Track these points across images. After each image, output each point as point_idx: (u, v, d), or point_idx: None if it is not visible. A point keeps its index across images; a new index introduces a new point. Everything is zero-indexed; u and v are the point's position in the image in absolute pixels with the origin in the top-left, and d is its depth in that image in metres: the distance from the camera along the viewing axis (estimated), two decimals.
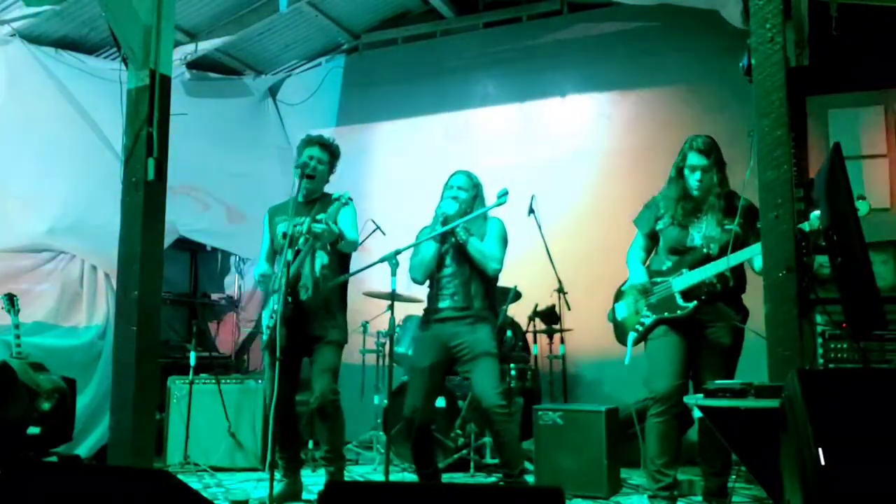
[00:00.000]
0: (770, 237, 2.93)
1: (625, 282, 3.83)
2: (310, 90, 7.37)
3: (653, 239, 3.78)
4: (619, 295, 3.85)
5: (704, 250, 3.54)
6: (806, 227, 2.99)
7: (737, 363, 3.56)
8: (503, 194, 3.84)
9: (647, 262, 3.80)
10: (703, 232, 3.57)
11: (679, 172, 3.63)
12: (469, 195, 3.98)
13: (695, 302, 3.52)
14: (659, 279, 3.65)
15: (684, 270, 3.55)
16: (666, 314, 3.58)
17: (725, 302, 3.53)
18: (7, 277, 5.30)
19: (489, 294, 3.95)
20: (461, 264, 3.89)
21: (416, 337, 4.04)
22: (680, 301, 3.55)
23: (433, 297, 3.95)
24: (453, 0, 6.93)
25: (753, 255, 3.35)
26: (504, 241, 3.96)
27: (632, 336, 3.66)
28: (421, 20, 7.14)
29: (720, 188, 3.57)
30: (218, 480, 4.75)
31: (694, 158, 3.57)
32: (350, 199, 3.73)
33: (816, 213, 3.00)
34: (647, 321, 3.63)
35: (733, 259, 3.40)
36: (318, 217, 3.77)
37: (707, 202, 3.58)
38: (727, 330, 3.51)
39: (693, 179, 3.58)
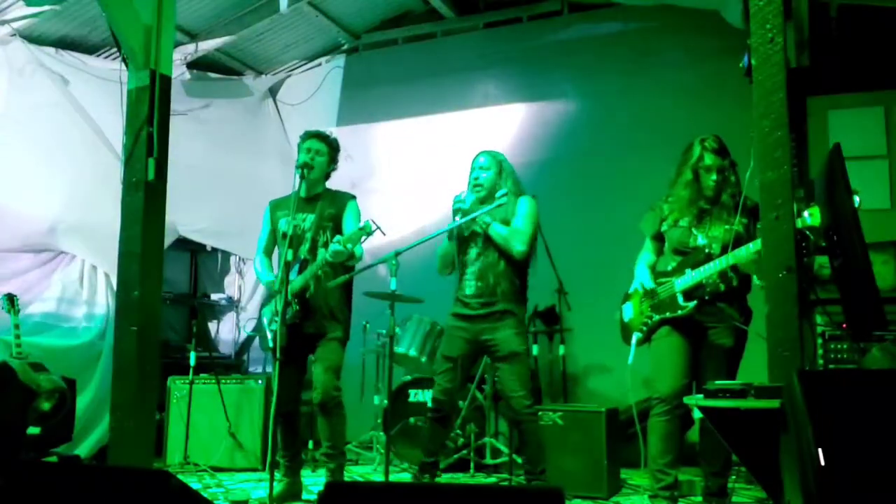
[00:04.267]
0: (770, 238, 2.92)
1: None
2: (310, 90, 7.37)
3: (660, 241, 3.78)
4: (626, 297, 3.86)
5: (707, 250, 3.54)
6: (798, 223, 2.97)
7: (738, 364, 3.56)
8: (503, 195, 3.84)
9: (656, 265, 3.80)
10: (707, 231, 3.57)
11: (695, 174, 3.60)
12: (492, 172, 3.99)
13: (695, 301, 3.52)
14: (663, 279, 3.65)
15: (687, 270, 3.56)
16: (668, 314, 3.58)
17: (728, 303, 3.52)
18: (7, 277, 5.31)
19: (518, 278, 3.92)
20: (486, 248, 3.89)
21: (447, 324, 4.01)
22: (681, 300, 3.55)
23: (461, 282, 3.95)
24: (454, 0, 6.93)
25: (748, 253, 3.33)
26: (532, 220, 3.92)
27: (636, 336, 3.67)
28: (421, 20, 7.14)
29: (734, 188, 3.56)
30: (218, 480, 4.75)
31: (710, 159, 3.56)
32: (372, 230, 3.73)
33: (808, 210, 2.99)
34: (651, 321, 3.64)
35: (728, 258, 3.39)
36: (337, 239, 3.77)
37: (719, 202, 3.58)
38: (729, 331, 3.51)
39: (710, 180, 3.56)
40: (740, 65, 3.63)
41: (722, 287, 3.50)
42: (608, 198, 6.02)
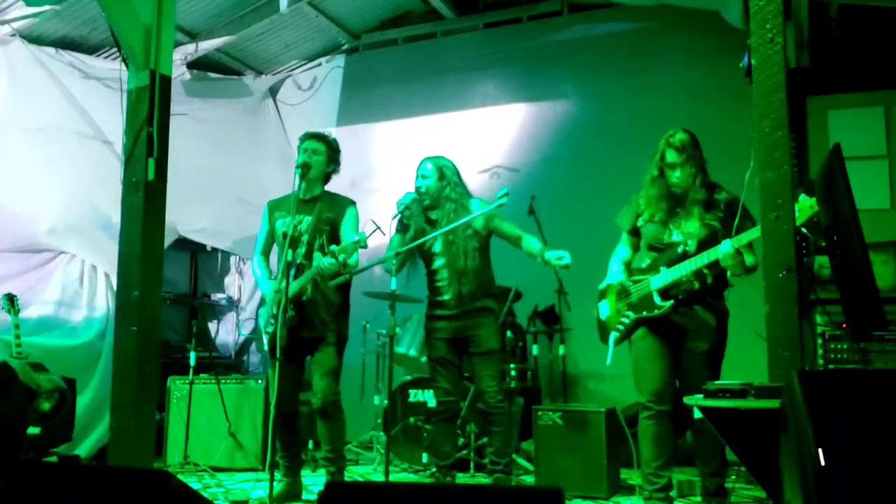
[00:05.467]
0: (770, 238, 2.92)
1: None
2: (310, 90, 7.38)
3: (636, 236, 3.74)
4: (602, 294, 3.81)
5: (681, 247, 3.50)
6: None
7: (720, 364, 3.52)
8: (503, 195, 3.85)
9: (632, 260, 3.76)
10: (681, 228, 3.53)
11: (660, 171, 3.57)
12: (432, 180, 4.13)
13: (671, 301, 3.48)
14: (639, 277, 3.61)
15: (662, 268, 3.52)
16: (644, 313, 3.54)
17: (703, 303, 3.50)
18: (7, 277, 5.31)
19: (486, 270, 4.12)
20: (453, 255, 3.99)
21: (427, 329, 4.22)
22: (657, 300, 3.51)
23: (434, 290, 4.13)
24: (454, 0, 6.93)
25: (723, 251, 3.29)
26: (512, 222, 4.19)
27: (613, 336, 3.63)
28: (421, 20, 7.14)
29: (700, 183, 3.51)
30: (218, 480, 4.75)
31: (672, 156, 3.52)
32: (366, 243, 3.75)
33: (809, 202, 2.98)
34: (627, 320, 3.60)
35: (707, 256, 3.37)
36: (332, 249, 3.77)
37: (688, 198, 3.54)
38: (705, 334, 3.47)
39: (673, 176, 3.52)
40: (740, 65, 3.63)
41: (696, 285, 3.46)
42: (608, 198, 5.96)
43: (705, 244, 3.43)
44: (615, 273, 3.72)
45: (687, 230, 3.51)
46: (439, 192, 4.10)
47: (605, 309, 3.76)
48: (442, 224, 4.02)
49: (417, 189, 4.14)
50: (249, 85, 7.27)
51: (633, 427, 3.72)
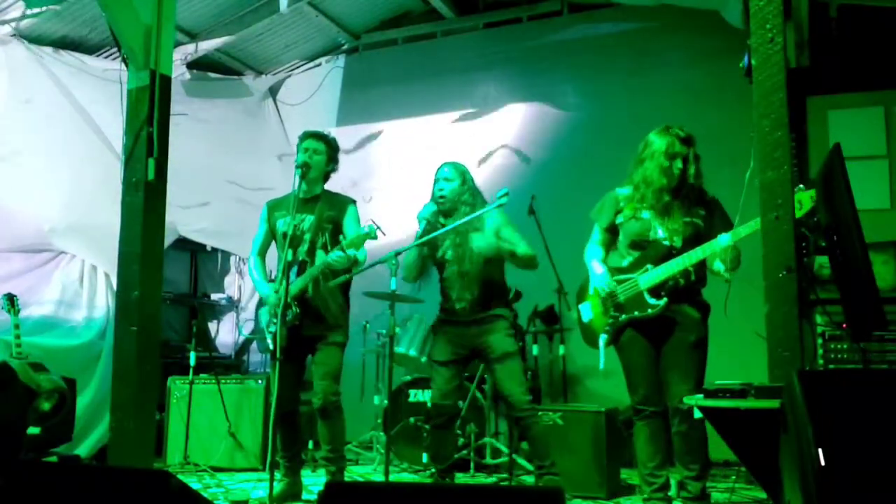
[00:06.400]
0: (770, 238, 2.93)
1: (586, 281, 3.72)
2: (310, 90, 7.38)
3: (612, 233, 3.67)
4: (581, 295, 3.75)
5: (667, 243, 3.44)
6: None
7: (705, 359, 3.47)
8: (503, 195, 3.83)
9: (606, 259, 3.69)
10: (666, 224, 3.47)
11: (670, 160, 3.45)
12: (456, 184, 4.02)
13: (665, 299, 3.41)
14: (622, 276, 3.54)
15: (649, 266, 3.45)
16: (636, 313, 3.48)
17: (686, 298, 3.47)
18: (7, 277, 5.31)
19: (498, 280, 4.02)
20: (465, 263, 3.91)
21: (434, 330, 4.10)
22: (650, 299, 3.45)
23: (446, 298, 3.99)
24: (454, 0, 6.93)
25: (723, 244, 3.25)
26: (516, 229, 4.03)
27: (603, 339, 3.57)
28: (421, 20, 7.15)
29: (695, 180, 3.47)
30: (218, 480, 4.75)
31: (679, 146, 3.46)
32: (375, 235, 3.72)
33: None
34: (617, 321, 3.54)
35: (701, 251, 3.33)
36: (341, 242, 3.77)
37: (681, 193, 3.49)
38: (692, 328, 3.44)
39: (676, 168, 3.45)
40: (740, 65, 3.62)
41: (682, 282, 3.43)
42: None
43: (690, 241, 3.40)
44: (601, 276, 3.60)
45: (672, 227, 3.46)
46: (458, 197, 3.99)
47: (588, 311, 3.69)
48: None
49: (439, 192, 4.01)
50: (249, 85, 7.27)
51: (631, 429, 3.70)
